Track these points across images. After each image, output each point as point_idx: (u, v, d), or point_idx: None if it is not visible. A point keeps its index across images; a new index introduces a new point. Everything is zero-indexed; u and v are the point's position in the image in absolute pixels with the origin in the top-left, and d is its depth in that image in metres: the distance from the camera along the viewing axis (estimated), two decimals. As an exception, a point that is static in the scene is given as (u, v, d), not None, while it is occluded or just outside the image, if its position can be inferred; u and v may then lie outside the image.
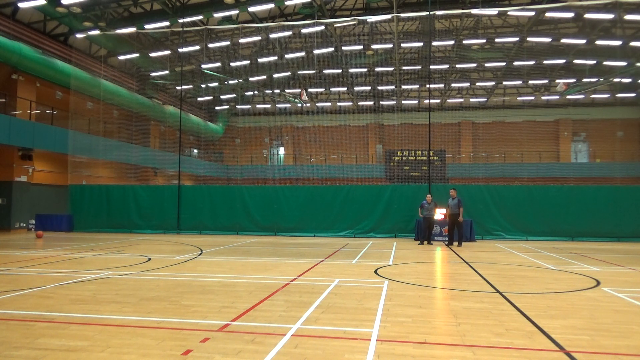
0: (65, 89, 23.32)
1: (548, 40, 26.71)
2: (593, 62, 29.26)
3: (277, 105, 41.76)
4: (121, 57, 27.18)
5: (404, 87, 36.90)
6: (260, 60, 30.20)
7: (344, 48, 28.94)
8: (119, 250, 13.12)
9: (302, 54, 29.93)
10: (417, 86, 37.00)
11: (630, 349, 4.40)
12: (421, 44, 27.91)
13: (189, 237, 18.29)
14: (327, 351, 4.25)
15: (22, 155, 20.46)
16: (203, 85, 34.63)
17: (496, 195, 17.92)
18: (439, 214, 16.77)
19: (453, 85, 36.52)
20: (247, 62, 30.52)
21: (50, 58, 21.85)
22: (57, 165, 23.36)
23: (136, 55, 26.86)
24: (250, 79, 33.20)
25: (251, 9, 22.37)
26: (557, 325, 5.22)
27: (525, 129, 38.12)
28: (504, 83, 35.37)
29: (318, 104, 41.26)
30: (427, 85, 28.17)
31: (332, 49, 29.21)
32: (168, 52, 28.10)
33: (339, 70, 32.77)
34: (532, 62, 30.30)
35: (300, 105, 39.53)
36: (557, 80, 32.39)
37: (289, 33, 26.38)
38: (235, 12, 22.72)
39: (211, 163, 39.95)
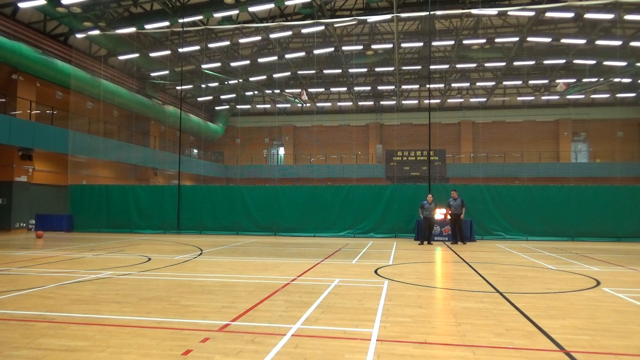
0: (65, 89, 23.31)
1: (548, 40, 26.70)
2: (593, 62, 29.25)
3: (277, 105, 41.77)
4: (121, 57, 27.17)
5: (404, 87, 36.89)
6: (260, 60, 30.20)
7: (344, 48, 28.93)
8: (119, 250, 13.12)
9: (302, 54, 29.93)
10: (417, 86, 37.00)
11: (630, 349, 4.40)
12: (421, 44, 27.91)
13: (189, 237, 18.29)
14: (327, 351, 4.25)
15: (22, 155, 20.46)
16: (203, 85, 34.63)
17: (496, 195, 17.92)
18: (439, 214, 16.82)
19: (453, 85, 36.51)
20: (247, 62, 30.52)
21: (50, 58, 21.85)
22: (57, 165, 23.36)
23: (136, 55, 26.85)
24: (250, 79, 33.20)
25: (251, 9, 22.37)
26: (557, 325, 5.22)
27: (525, 129, 38.12)
28: (504, 83, 35.36)
29: (318, 104, 41.26)
30: (427, 85, 28.18)
31: (332, 49, 29.20)
32: (168, 52, 28.10)
33: (339, 70, 32.76)
34: (532, 62, 30.29)
35: (300, 105, 39.53)
36: (557, 80, 32.38)
37: (289, 33, 26.38)
38: (235, 12, 22.72)
39: (211, 163, 39.95)
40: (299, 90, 34.28)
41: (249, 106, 42.65)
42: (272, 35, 26.51)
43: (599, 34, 25.87)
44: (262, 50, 30.74)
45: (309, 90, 36.67)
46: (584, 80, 31.97)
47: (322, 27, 25.79)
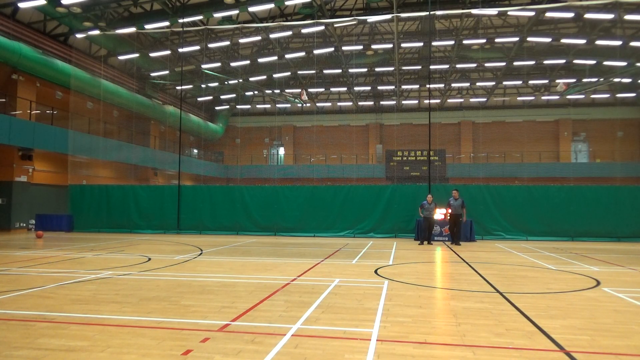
0: (65, 89, 23.31)
1: (548, 40, 26.70)
2: (593, 62, 29.25)
3: (277, 105, 41.77)
4: (121, 57, 27.17)
5: (404, 87, 36.89)
6: (260, 60, 30.20)
7: (344, 48, 28.93)
8: (119, 250, 13.12)
9: (302, 54, 29.93)
10: (417, 86, 36.99)
11: (630, 349, 4.40)
12: (421, 44, 27.90)
13: (189, 237, 18.30)
14: (327, 351, 4.25)
15: (22, 155, 20.46)
16: (203, 85, 34.63)
17: (496, 195, 17.92)
18: (439, 214, 16.82)
19: (453, 85, 36.51)
20: (247, 62, 30.52)
21: (50, 58, 21.85)
22: (57, 165, 23.36)
23: (136, 55, 26.85)
24: (250, 79, 33.20)
25: (251, 9, 22.37)
26: (557, 325, 5.22)
27: (525, 129, 38.13)
28: (504, 83, 35.36)
29: (318, 104, 41.26)
30: (427, 85, 28.17)
31: (332, 49, 29.20)
32: (168, 52, 28.10)
33: (339, 70, 32.76)
34: (532, 62, 30.29)
35: (300, 105, 39.53)
36: (557, 80, 32.38)
37: (289, 33, 26.38)
38: (235, 12, 22.72)
39: (211, 163, 39.95)
40: (299, 90, 34.27)
41: (249, 106, 42.65)
42: (272, 35, 26.51)
43: (599, 34, 25.87)
44: (262, 50, 30.74)
45: (309, 90, 36.66)
46: (584, 80, 31.97)
47: (322, 27, 25.79)
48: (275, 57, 29.43)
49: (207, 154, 41.17)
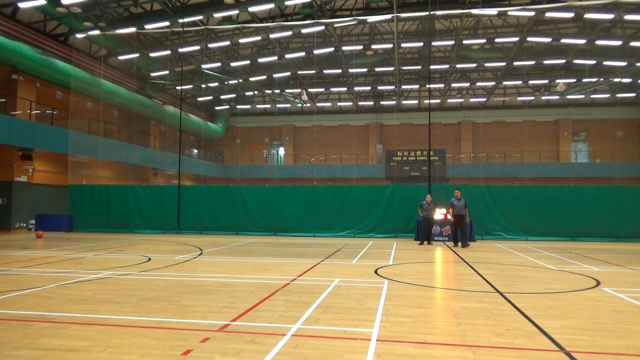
0: (65, 89, 23.31)
1: (548, 40, 26.70)
2: (593, 62, 29.25)
3: (277, 105, 41.76)
4: (121, 57, 27.17)
5: (404, 87, 36.89)
6: (260, 60, 30.20)
7: (344, 48, 28.93)
8: (119, 250, 13.13)
9: (302, 54, 29.93)
10: (417, 86, 36.99)
11: (630, 349, 4.40)
12: (421, 44, 27.90)
13: (189, 237, 18.29)
14: (327, 351, 4.25)
15: (22, 155, 20.46)
16: (203, 85, 34.63)
17: (496, 195, 17.92)
18: (439, 213, 16.80)
19: (453, 85, 36.51)
20: (247, 62, 30.52)
21: (50, 58, 21.85)
22: (57, 165, 23.36)
23: (136, 55, 26.85)
24: (250, 79, 33.20)
25: (251, 9, 22.37)
26: (557, 325, 5.22)
27: (525, 129, 38.13)
28: (504, 83, 35.36)
29: (318, 104, 41.26)
30: (427, 85, 28.17)
31: (332, 49, 29.20)
32: (168, 52, 28.10)
33: (339, 70, 32.76)
34: (532, 62, 30.29)
35: (300, 105, 39.53)
36: (557, 80, 32.38)
37: (289, 33, 26.38)
38: (235, 12, 22.72)
39: (211, 163, 39.95)
40: (299, 90, 34.26)
41: (249, 106, 42.65)
42: (272, 35, 26.51)
43: (599, 34, 25.86)
44: (262, 50, 30.74)
45: (309, 90, 36.66)
46: (584, 80, 31.97)
47: (322, 27, 25.78)
48: (275, 57, 29.42)
49: (207, 154, 41.17)
